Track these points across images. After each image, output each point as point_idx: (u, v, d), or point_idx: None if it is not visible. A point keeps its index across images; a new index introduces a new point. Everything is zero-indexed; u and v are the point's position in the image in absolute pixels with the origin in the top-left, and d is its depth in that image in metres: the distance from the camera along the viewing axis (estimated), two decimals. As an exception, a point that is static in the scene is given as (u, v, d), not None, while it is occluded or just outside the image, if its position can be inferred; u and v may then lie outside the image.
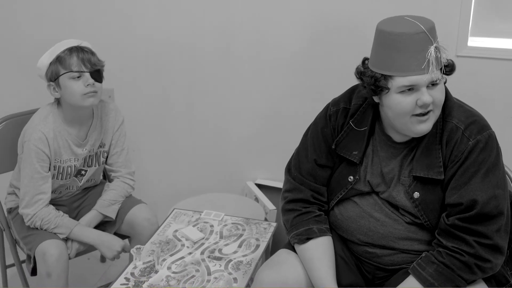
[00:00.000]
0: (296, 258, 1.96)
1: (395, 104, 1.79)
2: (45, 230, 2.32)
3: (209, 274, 2.12)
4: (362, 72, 1.85)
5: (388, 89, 1.78)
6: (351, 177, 1.96)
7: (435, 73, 1.76)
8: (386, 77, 1.78)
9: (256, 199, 2.89)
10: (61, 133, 2.35)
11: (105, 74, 2.40)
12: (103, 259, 3.10)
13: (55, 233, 2.31)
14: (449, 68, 1.83)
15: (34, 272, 2.31)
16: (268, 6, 2.80)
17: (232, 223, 2.43)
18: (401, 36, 1.74)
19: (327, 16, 2.75)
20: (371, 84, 1.81)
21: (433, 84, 1.78)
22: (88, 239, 2.35)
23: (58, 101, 2.38)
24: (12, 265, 2.62)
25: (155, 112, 3.09)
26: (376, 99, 1.86)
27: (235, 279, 2.09)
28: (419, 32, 1.74)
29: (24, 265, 2.50)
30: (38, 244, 2.25)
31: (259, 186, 3.00)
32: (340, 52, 2.74)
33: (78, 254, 2.41)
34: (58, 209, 2.39)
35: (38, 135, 2.29)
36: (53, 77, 2.29)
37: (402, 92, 1.77)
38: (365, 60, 1.88)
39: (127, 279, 2.09)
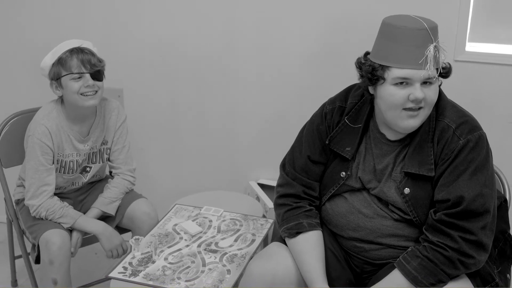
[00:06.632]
0: (286, 250, 2.01)
1: (388, 95, 1.84)
2: (50, 220, 2.39)
3: (204, 265, 2.18)
4: (362, 62, 1.91)
5: (384, 79, 1.84)
6: (343, 173, 2.00)
7: (431, 71, 1.80)
8: (384, 68, 1.83)
9: (258, 198, 2.94)
10: (63, 128, 2.43)
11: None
12: (110, 254, 3.16)
13: (59, 223, 2.39)
14: (445, 71, 1.88)
15: (38, 260, 2.38)
16: (275, 9, 2.84)
17: (231, 219, 2.49)
18: (403, 29, 1.80)
19: (334, 19, 2.79)
20: (368, 72, 1.86)
21: (427, 82, 1.82)
22: (92, 229, 2.42)
23: (61, 99, 2.45)
24: (21, 256, 2.68)
25: (163, 112, 3.15)
26: (371, 90, 1.91)
27: (228, 271, 2.14)
28: (421, 28, 1.80)
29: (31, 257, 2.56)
30: (42, 233, 2.32)
31: (262, 185, 3.05)
32: (346, 55, 2.76)
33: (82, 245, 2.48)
34: (63, 201, 2.46)
35: (42, 129, 2.37)
36: (55, 77, 2.37)
37: (396, 84, 1.82)
38: (367, 53, 1.94)
39: (125, 268, 2.15)
